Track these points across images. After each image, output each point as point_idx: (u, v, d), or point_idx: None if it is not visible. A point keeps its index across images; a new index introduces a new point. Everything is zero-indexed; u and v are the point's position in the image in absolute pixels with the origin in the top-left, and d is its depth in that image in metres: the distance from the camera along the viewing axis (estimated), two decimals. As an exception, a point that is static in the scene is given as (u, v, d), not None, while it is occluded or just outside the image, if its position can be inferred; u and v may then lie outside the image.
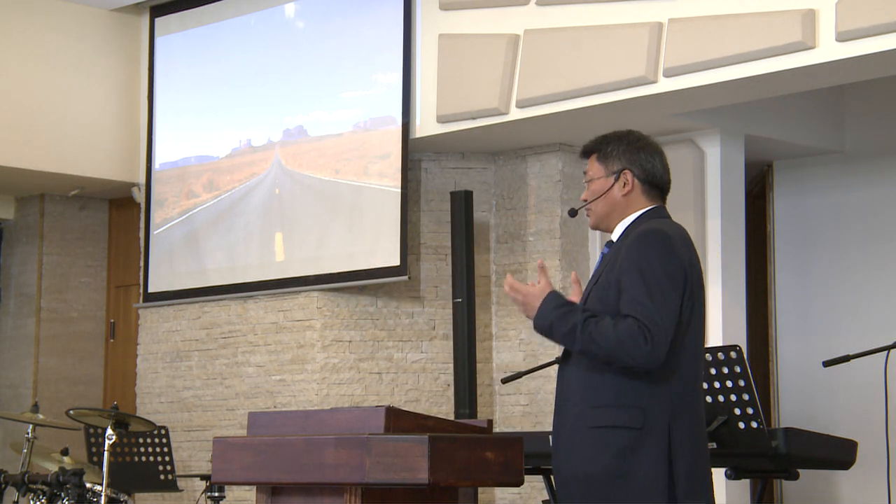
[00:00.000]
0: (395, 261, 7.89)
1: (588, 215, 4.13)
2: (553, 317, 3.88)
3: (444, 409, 8.15)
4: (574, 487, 3.88)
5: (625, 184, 4.04)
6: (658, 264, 3.89)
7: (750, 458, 5.12)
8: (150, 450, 7.56)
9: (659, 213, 4.07)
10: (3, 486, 6.29)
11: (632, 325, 3.79)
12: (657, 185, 4.09)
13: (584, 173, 4.12)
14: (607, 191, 4.05)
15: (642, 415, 3.84)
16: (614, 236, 4.07)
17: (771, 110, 7.84)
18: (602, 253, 4.10)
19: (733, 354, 4.87)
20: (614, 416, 3.84)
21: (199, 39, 9.21)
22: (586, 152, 4.13)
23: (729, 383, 4.88)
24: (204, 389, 8.87)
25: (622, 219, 4.06)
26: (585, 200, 4.10)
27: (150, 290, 9.27)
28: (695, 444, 3.93)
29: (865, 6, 6.17)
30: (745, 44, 6.58)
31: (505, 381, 6.13)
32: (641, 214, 4.04)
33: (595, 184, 4.07)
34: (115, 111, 9.44)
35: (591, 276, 4.13)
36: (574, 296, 4.09)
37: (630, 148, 4.07)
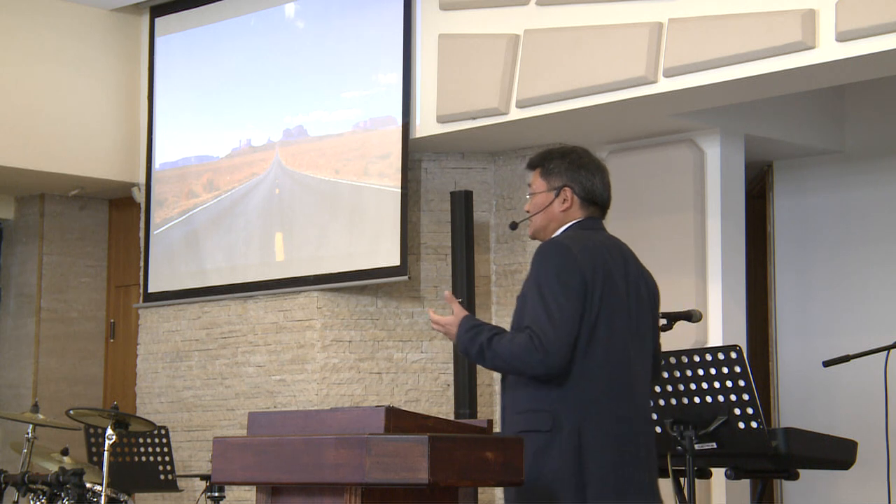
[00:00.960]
0: (395, 261, 7.90)
1: (529, 226, 4.38)
2: (466, 339, 4.17)
3: (444, 409, 8.15)
4: (506, 493, 4.18)
5: (564, 200, 4.31)
6: (552, 275, 4.12)
7: (750, 458, 5.12)
8: (150, 450, 7.57)
9: (584, 224, 4.35)
10: (3, 486, 6.29)
11: (524, 337, 4.06)
12: (595, 202, 4.43)
13: (528, 185, 4.38)
14: (548, 205, 4.30)
15: (551, 418, 4.06)
16: None
17: (771, 110, 7.84)
18: None
19: (733, 354, 4.87)
20: (528, 421, 4.09)
21: (199, 39, 9.21)
22: (531, 166, 4.39)
23: (729, 383, 4.88)
24: (204, 389, 8.88)
25: (555, 230, 4.32)
26: (528, 212, 4.36)
27: (150, 290, 9.27)
28: (617, 447, 4.09)
29: (865, 6, 6.17)
30: (745, 44, 6.58)
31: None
32: (568, 227, 4.31)
33: (538, 197, 4.33)
34: (115, 111, 9.45)
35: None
36: (453, 315, 4.30)
37: (571, 166, 4.34)
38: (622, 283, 4.26)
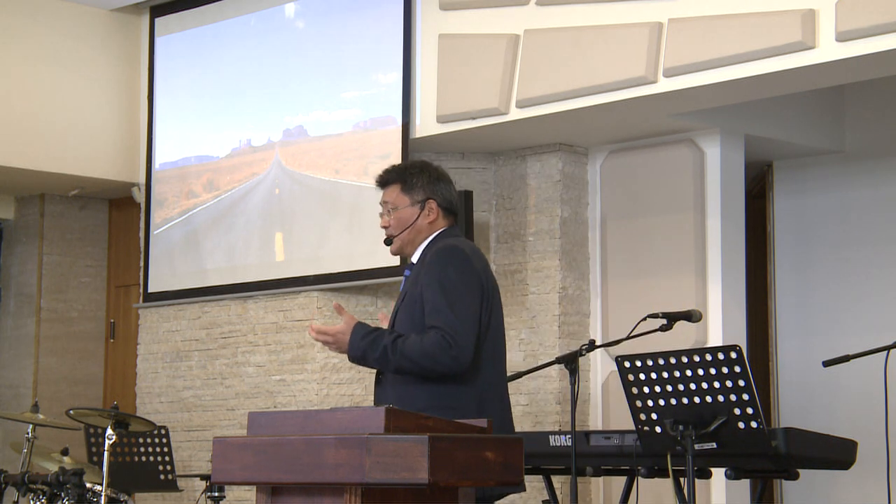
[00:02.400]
0: (394, 261, 7.89)
1: (387, 240, 4.55)
2: (364, 345, 4.30)
3: (444, 409, 8.15)
4: None
5: (429, 212, 4.48)
6: (456, 276, 4.34)
7: (750, 458, 5.12)
8: (150, 450, 7.56)
9: (452, 231, 4.54)
10: (3, 486, 6.29)
11: (435, 336, 4.23)
12: (453, 211, 4.57)
13: (384, 203, 4.52)
14: (415, 220, 4.49)
15: (454, 413, 4.18)
16: (414, 258, 4.53)
17: (771, 110, 7.84)
18: (405, 275, 4.54)
19: (733, 354, 4.86)
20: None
21: (199, 39, 9.21)
22: (385, 183, 4.53)
23: (729, 383, 4.87)
24: (204, 389, 8.88)
25: (422, 242, 4.51)
26: (387, 227, 4.51)
27: (150, 290, 9.27)
28: (504, 434, 4.36)
29: (865, 6, 6.17)
30: (745, 44, 6.58)
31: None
32: (437, 235, 4.51)
33: (402, 213, 4.49)
34: (115, 111, 9.45)
35: (398, 299, 4.54)
36: (344, 323, 4.41)
37: (432, 179, 4.51)
38: (495, 285, 4.54)
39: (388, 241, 4.62)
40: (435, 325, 4.26)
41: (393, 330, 4.37)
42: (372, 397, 8.23)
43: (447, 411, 4.18)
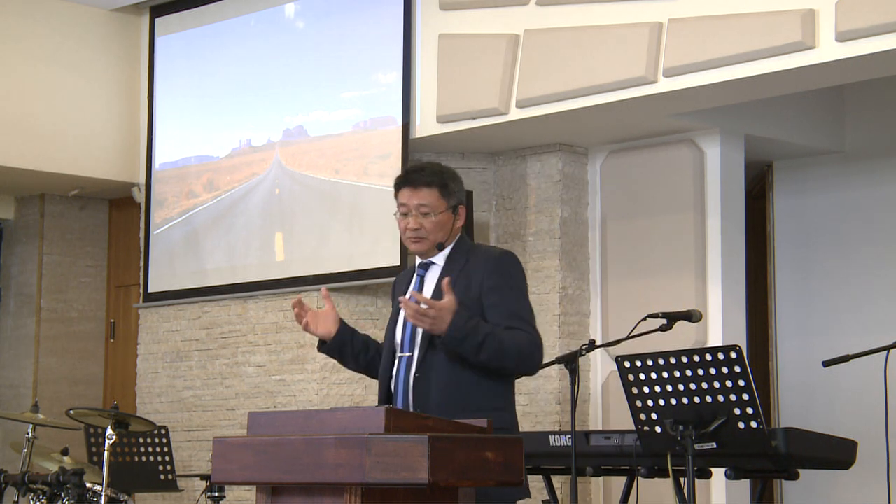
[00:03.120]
0: (395, 261, 7.89)
1: (417, 242, 4.47)
2: (467, 327, 4.23)
3: (444, 409, 8.14)
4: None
5: (459, 217, 4.51)
6: (524, 284, 4.44)
7: (750, 458, 5.12)
8: (150, 450, 7.56)
9: (464, 236, 4.56)
10: (3, 486, 6.29)
11: (527, 337, 4.28)
12: None
13: (419, 205, 4.43)
14: (452, 224, 4.48)
15: (509, 417, 4.34)
16: (439, 259, 4.48)
17: (771, 110, 7.84)
18: (419, 274, 4.50)
19: (733, 354, 4.86)
20: (495, 419, 4.09)
21: (199, 39, 9.21)
22: (426, 184, 4.46)
23: (729, 383, 4.87)
24: (204, 389, 8.88)
25: (448, 245, 4.49)
26: (418, 229, 4.43)
27: (150, 290, 9.27)
28: None
29: (865, 6, 6.17)
30: (745, 44, 6.58)
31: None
32: (459, 237, 4.52)
33: (441, 217, 4.44)
34: (115, 111, 9.45)
35: (408, 296, 4.41)
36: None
37: (461, 184, 4.54)
38: None
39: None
40: (516, 326, 4.30)
41: (430, 343, 4.32)
42: (372, 397, 8.26)
43: (506, 414, 4.30)
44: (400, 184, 4.51)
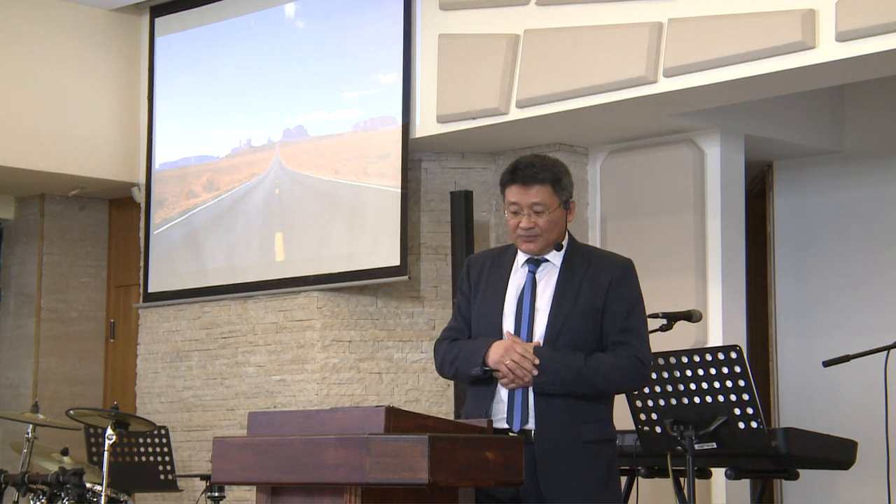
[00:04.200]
0: (395, 261, 7.89)
1: (530, 241, 4.22)
2: (555, 367, 4.09)
3: (444, 409, 8.15)
4: (570, 494, 4.11)
5: (571, 212, 4.28)
6: (641, 296, 4.26)
7: (750, 458, 5.12)
8: (150, 450, 7.56)
9: (572, 235, 4.36)
10: (3, 486, 6.29)
11: (630, 357, 4.15)
12: None
13: (533, 203, 4.19)
14: (564, 220, 4.27)
15: (614, 429, 4.25)
16: (553, 258, 4.25)
17: (771, 110, 7.84)
18: (530, 271, 4.25)
19: (733, 354, 4.87)
20: (600, 431, 4.17)
21: (199, 39, 9.21)
22: (539, 181, 4.21)
23: (729, 383, 4.88)
24: (204, 389, 8.87)
25: (562, 242, 4.29)
26: (532, 228, 4.19)
27: (150, 290, 9.27)
28: None
29: (865, 6, 6.17)
30: (745, 44, 6.58)
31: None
32: (570, 236, 4.32)
33: (555, 214, 4.21)
34: (115, 111, 9.45)
35: (523, 295, 4.23)
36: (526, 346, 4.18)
37: (571, 177, 4.31)
38: None
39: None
40: (626, 342, 4.16)
41: (562, 350, 4.13)
42: (372, 397, 8.27)
43: (612, 426, 4.23)
44: (508, 181, 4.24)
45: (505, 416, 4.15)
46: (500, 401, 4.17)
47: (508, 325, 4.20)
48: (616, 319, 4.16)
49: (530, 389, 4.13)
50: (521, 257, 4.28)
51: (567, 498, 4.07)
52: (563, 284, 4.19)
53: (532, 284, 4.22)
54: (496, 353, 4.11)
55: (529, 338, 4.16)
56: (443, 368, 4.33)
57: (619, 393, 4.27)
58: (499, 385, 4.17)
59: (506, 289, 4.25)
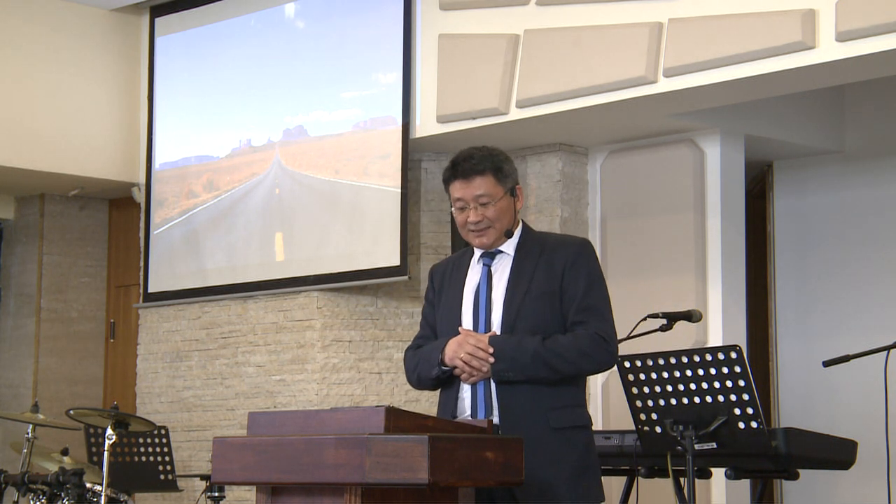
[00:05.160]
0: (395, 261, 7.89)
1: (481, 235, 4.19)
2: (510, 353, 4.05)
3: (444, 409, 8.14)
4: (539, 486, 4.04)
5: (518, 198, 4.25)
6: (601, 274, 4.21)
7: (750, 458, 5.12)
8: (150, 450, 7.56)
9: (525, 222, 4.32)
10: (3, 486, 6.29)
11: (590, 335, 4.10)
12: None
13: (477, 196, 4.16)
14: (513, 208, 4.22)
15: (587, 414, 4.19)
16: (507, 248, 4.23)
17: (771, 110, 7.84)
18: (485, 264, 4.23)
19: (733, 354, 4.86)
20: (571, 417, 4.12)
21: (199, 39, 9.21)
22: (478, 172, 4.18)
23: (729, 383, 4.87)
24: (204, 389, 8.88)
25: (514, 233, 4.24)
26: (480, 221, 4.16)
27: (150, 290, 9.27)
28: None
29: (865, 6, 6.17)
30: (745, 44, 6.58)
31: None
32: (524, 224, 4.29)
33: (501, 203, 4.18)
34: (115, 111, 9.45)
35: (479, 288, 4.21)
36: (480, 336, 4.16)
37: (513, 164, 4.28)
38: None
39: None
40: (584, 321, 4.11)
41: (527, 335, 4.08)
42: (372, 397, 8.27)
43: (582, 411, 4.15)
44: (449, 177, 4.22)
45: (469, 412, 4.12)
46: (463, 398, 4.14)
47: (467, 320, 4.19)
48: (574, 299, 4.12)
49: (492, 381, 4.09)
50: (477, 254, 4.27)
51: (541, 489, 4.01)
52: (517, 272, 4.17)
53: (487, 277, 4.21)
54: (451, 350, 4.11)
55: (487, 330, 4.14)
56: (409, 377, 4.33)
57: (583, 374, 4.16)
58: (460, 382, 4.14)
59: (463, 287, 4.25)
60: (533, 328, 4.10)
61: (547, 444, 4.03)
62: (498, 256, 4.23)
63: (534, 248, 4.21)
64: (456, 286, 4.27)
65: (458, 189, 4.20)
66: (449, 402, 4.18)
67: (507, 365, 4.05)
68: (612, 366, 4.24)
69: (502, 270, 4.21)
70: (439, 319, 4.30)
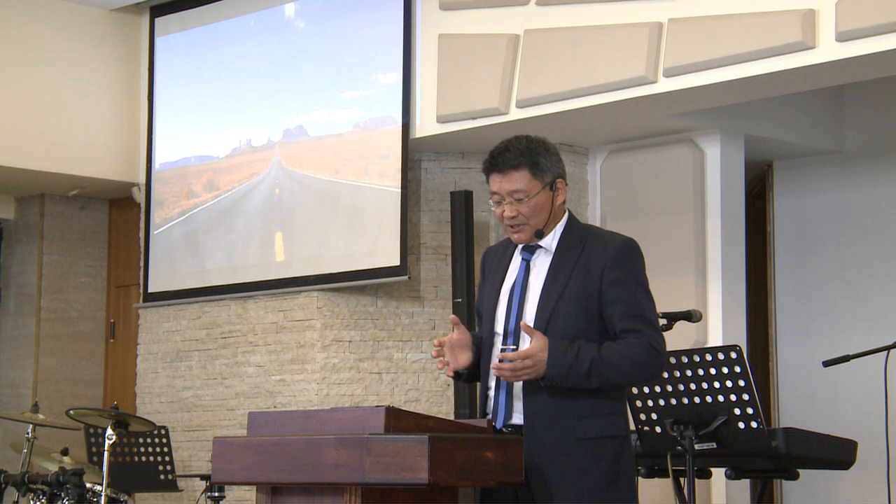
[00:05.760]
0: (395, 261, 7.89)
1: (517, 231, 4.06)
2: (568, 360, 3.87)
3: (444, 409, 8.15)
4: (567, 497, 3.91)
5: (560, 192, 4.08)
6: (645, 277, 4.03)
7: (750, 458, 5.12)
8: (150, 450, 7.57)
9: (572, 215, 4.16)
10: (3, 486, 6.29)
11: (643, 345, 3.90)
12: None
13: (512, 192, 4.04)
14: (552, 204, 4.06)
15: (623, 421, 3.98)
16: (547, 242, 4.08)
17: (771, 110, 7.84)
18: (524, 258, 4.09)
19: (733, 354, 4.87)
20: (602, 426, 3.93)
21: (199, 39, 9.21)
22: (513, 166, 4.07)
23: (729, 383, 4.88)
24: (204, 389, 8.88)
25: (554, 226, 4.09)
26: (515, 216, 4.03)
27: (150, 290, 9.27)
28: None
29: (865, 6, 6.17)
30: (745, 44, 6.58)
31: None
32: (568, 217, 4.13)
33: (538, 199, 4.03)
34: (115, 111, 9.44)
35: (515, 283, 4.07)
36: (460, 334, 4.05)
37: (555, 156, 4.10)
38: None
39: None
40: (636, 328, 3.92)
41: (581, 341, 3.91)
42: (372, 397, 8.27)
43: (618, 419, 3.96)
44: (487, 169, 4.12)
45: (491, 412, 4.02)
46: (490, 396, 4.04)
47: (500, 315, 4.06)
48: (617, 305, 3.93)
49: (516, 383, 3.95)
50: (520, 245, 4.14)
51: (565, 499, 3.89)
52: (555, 271, 4.02)
53: (525, 273, 4.07)
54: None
55: (518, 327, 3.99)
56: None
57: (633, 384, 4.07)
58: (490, 377, 4.03)
59: (503, 278, 4.12)
60: (564, 332, 3.93)
61: (574, 455, 3.89)
62: (538, 251, 4.08)
63: (575, 244, 4.05)
64: (497, 279, 4.13)
65: (494, 182, 4.09)
66: (482, 398, 4.09)
67: (564, 372, 3.86)
68: (661, 375, 4.10)
69: (541, 266, 4.06)
70: (481, 307, 4.18)
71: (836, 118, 8.24)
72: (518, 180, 4.05)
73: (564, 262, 4.02)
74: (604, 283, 3.96)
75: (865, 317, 7.96)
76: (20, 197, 10.07)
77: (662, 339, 3.97)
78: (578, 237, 4.07)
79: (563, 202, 4.10)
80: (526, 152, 4.08)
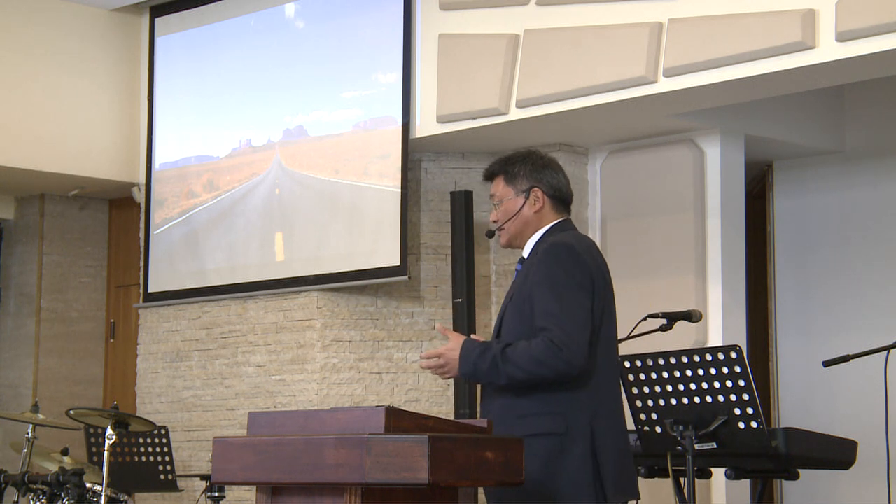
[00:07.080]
0: (395, 261, 7.90)
1: (500, 235, 4.33)
2: (474, 358, 4.09)
3: (444, 409, 8.15)
4: (505, 496, 4.05)
5: (535, 201, 4.26)
6: (566, 275, 4.09)
7: (750, 458, 5.12)
8: (150, 450, 7.57)
9: (565, 225, 4.29)
10: (3, 486, 6.30)
11: (543, 340, 4.01)
12: (563, 200, 4.33)
13: (491, 196, 4.35)
14: (519, 210, 4.26)
15: (564, 420, 4.04)
16: (525, 252, 4.29)
17: (771, 110, 7.85)
18: (516, 270, 4.29)
19: (733, 354, 4.87)
20: (537, 424, 4.04)
21: (199, 39, 9.21)
22: (490, 175, 4.36)
23: (729, 383, 4.88)
24: (204, 389, 8.88)
25: (533, 235, 4.28)
26: (496, 221, 4.32)
27: (150, 290, 9.27)
28: (617, 444, 4.14)
29: (865, 6, 6.17)
30: (745, 44, 6.58)
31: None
32: (550, 228, 4.27)
33: (507, 204, 4.29)
34: (115, 111, 9.45)
35: (506, 295, 4.31)
36: (452, 341, 4.22)
37: (535, 167, 4.30)
38: (610, 287, 4.30)
39: (490, 234, 4.48)
40: (544, 326, 4.03)
41: (499, 339, 4.15)
42: (372, 397, 8.26)
43: (557, 417, 4.04)
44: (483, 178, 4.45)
45: None
46: None
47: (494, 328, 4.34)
48: (535, 305, 4.08)
49: (478, 385, 4.21)
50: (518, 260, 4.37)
51: (503, 496, 4.04)
52: (520, 279, 4.23)
53: (515, 281, 4.29)
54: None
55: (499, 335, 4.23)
56: None
57: (542, 381, 4.05)
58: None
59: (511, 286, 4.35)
60: (507, 335, 4.16)
61: None
62: (525, 262, 4.28)
63: (536, 253, 4.22)
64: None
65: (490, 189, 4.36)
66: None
67: (472, 369, 4.12)
68: (572, 373, 4.02)
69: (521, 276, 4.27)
70: None
71: (836, 118, 8.24)
72: (495, 186, 4.34)
73: (524, 269, 4.23)
74: (531, 286, 4.13)
75: (865, 317, 7.96)
76: (20, 197, 10.08)
77: (568, 336, 4.00)
78: (542, 247, 4.21)
79: (540, 212, 4.28)
80: (507, 161, 4.35)
